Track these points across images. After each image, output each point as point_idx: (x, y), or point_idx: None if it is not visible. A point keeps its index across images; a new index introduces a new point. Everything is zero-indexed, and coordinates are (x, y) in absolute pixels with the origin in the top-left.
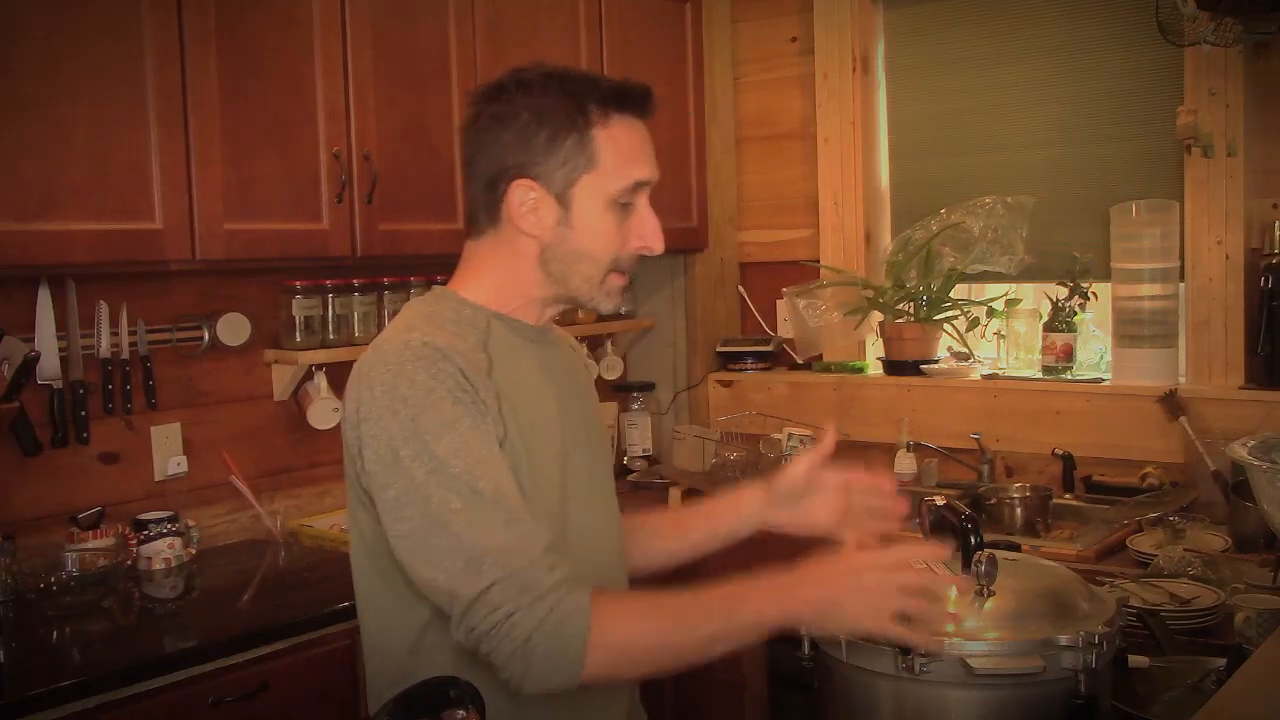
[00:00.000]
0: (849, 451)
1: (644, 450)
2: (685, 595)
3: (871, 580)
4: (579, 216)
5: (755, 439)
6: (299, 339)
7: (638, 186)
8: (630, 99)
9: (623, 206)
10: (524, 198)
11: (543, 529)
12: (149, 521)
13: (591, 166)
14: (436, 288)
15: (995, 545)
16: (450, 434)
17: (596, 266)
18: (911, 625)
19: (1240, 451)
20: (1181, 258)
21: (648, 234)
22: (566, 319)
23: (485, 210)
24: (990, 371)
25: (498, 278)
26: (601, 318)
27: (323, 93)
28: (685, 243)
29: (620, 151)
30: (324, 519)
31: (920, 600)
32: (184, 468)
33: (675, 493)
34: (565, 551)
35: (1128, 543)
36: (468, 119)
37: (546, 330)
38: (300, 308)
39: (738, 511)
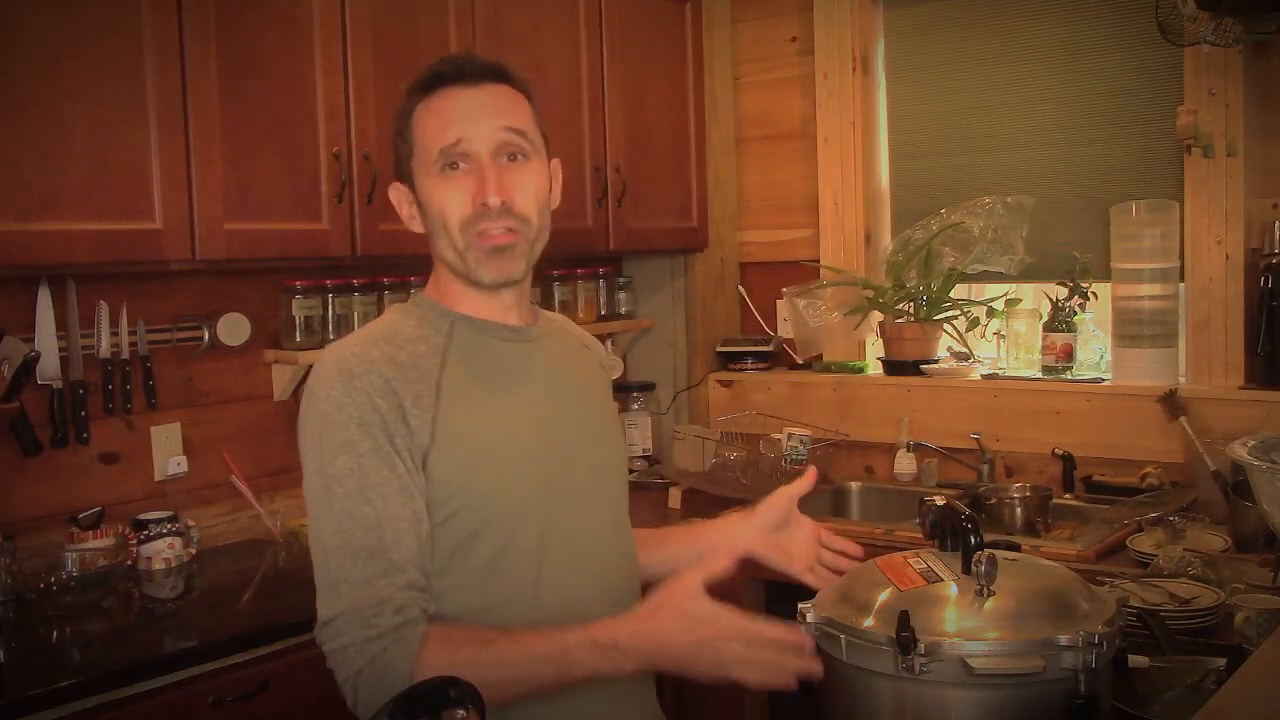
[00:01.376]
0: (849, 451)
1: (644, 450)
2: (525, 640)
3: (727, 652)
4: (422, 196)
5: (755, 439)
6: (299, 339)
7: (451, 147)
8: (442, 77)
9: (451, 169)
10: (395, 199)
11: (410, 563)
12: (149, 521)
13: (414, 148)
14: (415, 293)
15: (995, 545)
16: (346, 456)
17: (450, 234)
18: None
19: (1240, 451)
20: (1181, 258)
21: (483, 188)
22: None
23: None
24: (990, 371)
25: (439, 276)
26: (601, 317)
27: (323, 93)
28: (685, 243)
29: (428, 125)
30: None
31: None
32: (184, 468)
33: (675, 493)
34: (540, 552)
35: (1128, 543)
36: None
37: (526, 329)
38: (300, 308)
39: (719, 533)
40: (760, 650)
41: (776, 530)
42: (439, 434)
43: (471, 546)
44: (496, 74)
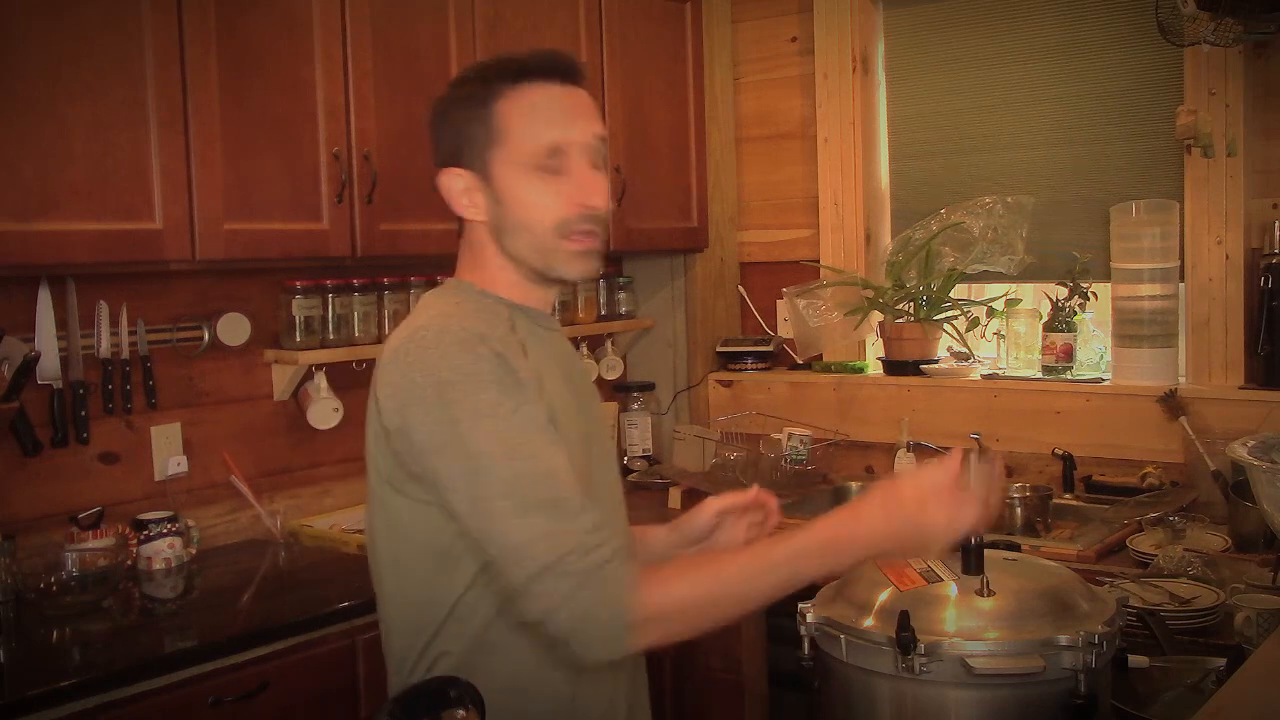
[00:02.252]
0: (849, 451)
1: (644, 450)
2: (740, 555)
3: (926, 502)
4: (503, 190)
5: (755, 439)
6: (299, 339)
7: (555, 148)
8: (536, 68)
9: (549, 171)
10: (451, 185)
11: (589, 505)
12: (149, 521)
13: (499, 139)
14: (449, 280)
15: (995, 545)
16: (492, 419)
17: (536, 236)
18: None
19: (1240, 451)
20: (1181, 258)
21: (585, 192)
22: (566, 319)
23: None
24: (990, 371)
25: (481, 265)
26: (601, 317)
27: (323, 93)
28: (685, 243)
29: (526, 118)
30: (324, 519)
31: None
32: (184, 468)
33: (675, 493)
34: None
35: (1128, 543)
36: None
37: (554, 319)
38: (300, 308)
39: (643, 544)
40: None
41: (700, 540)
42: (548, 408)
43: None
44: (583, 76)
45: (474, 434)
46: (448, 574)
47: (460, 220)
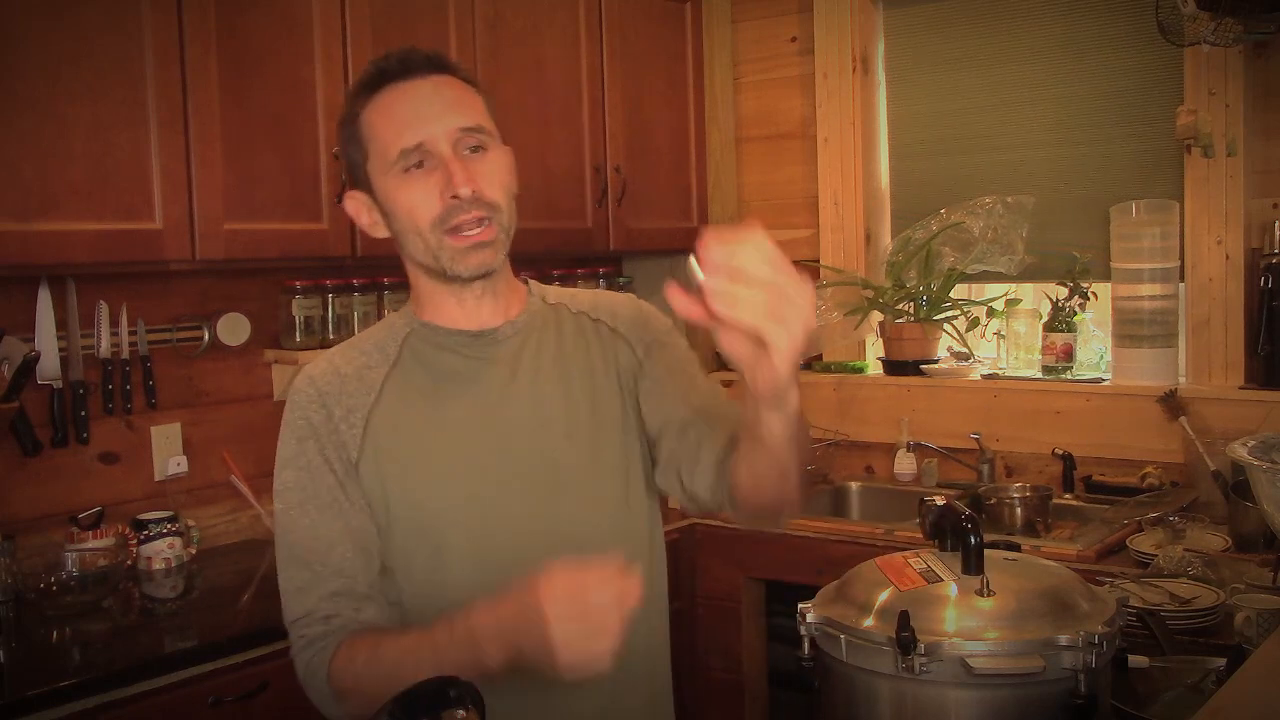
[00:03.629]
0: (849, 451)
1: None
2: (409, 641)
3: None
4: (384, 201)
5: None
6: (299, 339)
7: (414, 146)
8: (392, 71)
9: (416, 168)
10: (354, 209)
11: (342, 572)
12: (149, 521)
13: (368, 151)
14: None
15: (995, 545)
16: (288, 470)
17: (424, 235)
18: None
19: (1240, 451)
20: (1181, 258)
21: (453, 181)
22: None
23: None
24: (990, 371)
25: (412, 282)
26: None
27: (323, 93)
28: (685, 243)
29: (383, 124)
30: None
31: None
32: (184, 468)
33: None
34: (480, 558)
35: (1128, 543)
36: None
37: (492, 331)
38: (300, 307)
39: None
40: (580, 605)
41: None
42: (367, 445)
43: (413, 552)
44: (439, 65)
45: (278, 480)
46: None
47: None
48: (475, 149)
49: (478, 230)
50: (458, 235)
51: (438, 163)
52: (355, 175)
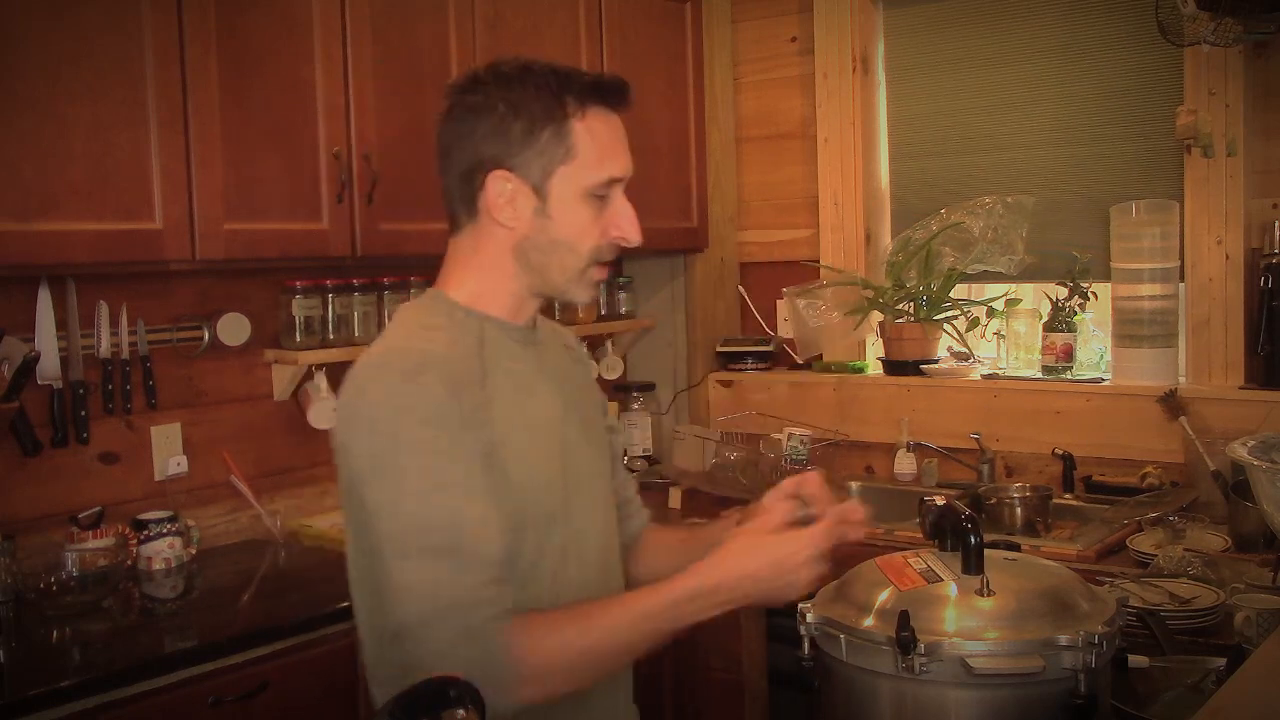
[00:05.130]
0: (849, 451)
1: (644, 450)
2: (613, 607)
3: (805, 553)
4: (556, 207)
5: (755, 439)
6: (299, 339)
7: (614, 181)
8: (607, 92)
9: (599, 198)
10: (501, 189)
11: (491, 559)
12: (149, 521)
13: (570, 158)
14: (429, 290)
15: (995, 545)
16: (419, 455)
17: (576, 257)
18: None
19: (1240, 451)
20: (1181, 258)
21: (624, 224)
22: (566, 319)
23: (463, 204)
24: (990, 371)
25: (481, 274)
26: (601, 317)
27: (323, 93)
28: (685, 243)
29: (597, 144)
30: (324, 519)
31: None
32: (184, 468)
33: (675, 493)
34: (565, 549)
35: (1128, 543)
36: (443, 111)
37: (534, 331)
38: (300, 308)
39: (649, 551)
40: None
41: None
42: (495, 436)
43: (519, 545)
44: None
45: (398, 469)
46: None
47: (464, 223)
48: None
49: (607, 269)
50: (600, 268)
51: (614, 200)
52: (524, 160)
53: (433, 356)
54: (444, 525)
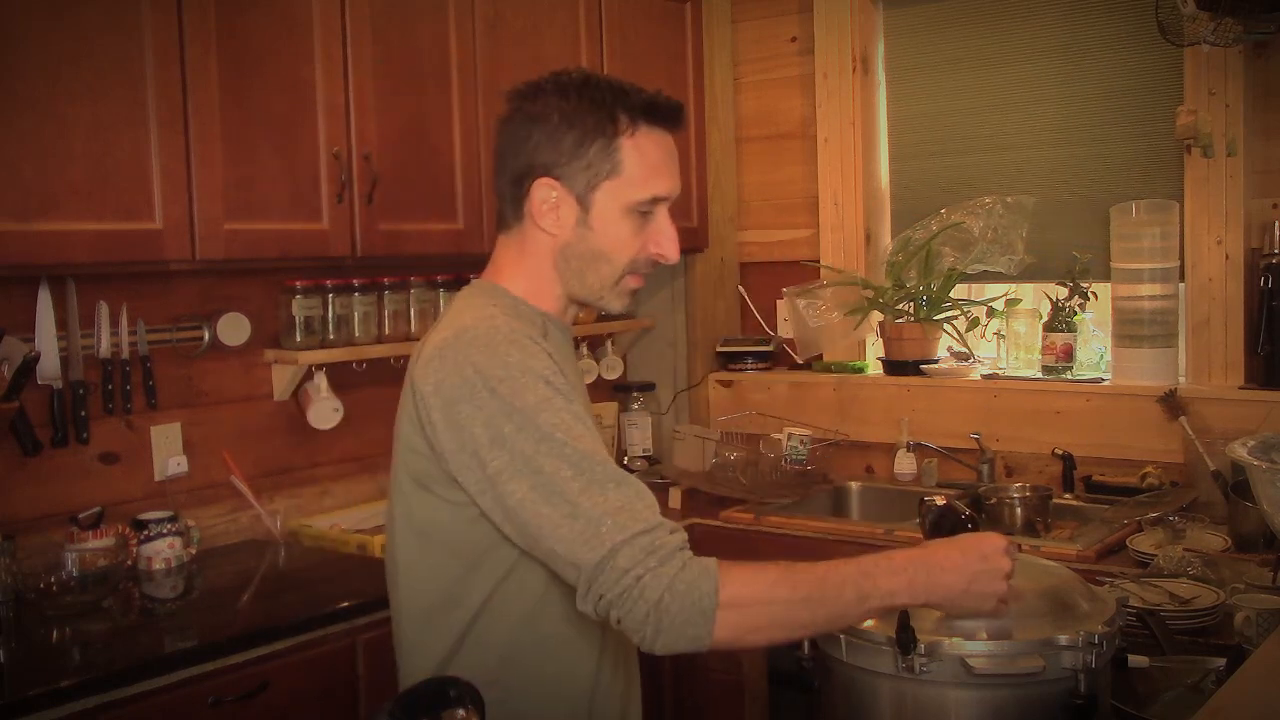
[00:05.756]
0: (849, 451)
1: (644, 450)
2: (818, 568)
3: (994, 566)
4: (598, 219)
5: (755, 439)
6: (299, 339)
7: (658, 200)
8: (661, 112)
9: (641, 215)
10: (545, 196)
11: (650, 492)
12: (149, 521)
13: (615, 173)
14: (479, 281)
15: None
16: (548, 410)
17: (613, 268)
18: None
19: (1240, 451)
20: (1181, 258)
21: (665, 243)
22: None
23: (511, 205)
24: (990, 371)
25: (529, 274)
26: (602, 318)
27: (323, 93)
28: (685, 243)
29: (645, 162)
30: (324, 519)
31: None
32: (184, 468)
33: (675, 493)
34: None
35: (1128, 543)
36: (503, 115)
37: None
38: (300, 308)
39: None
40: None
41: None
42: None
43: None
44: (684, 125)
45: (535, 422)
46: (472, 579)
47: (511, 223)
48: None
49: (642, 279)
50: (636, 277)
51: (657, 217)
52: (571, 170)
53: (527, 331)
54: (601, 460)
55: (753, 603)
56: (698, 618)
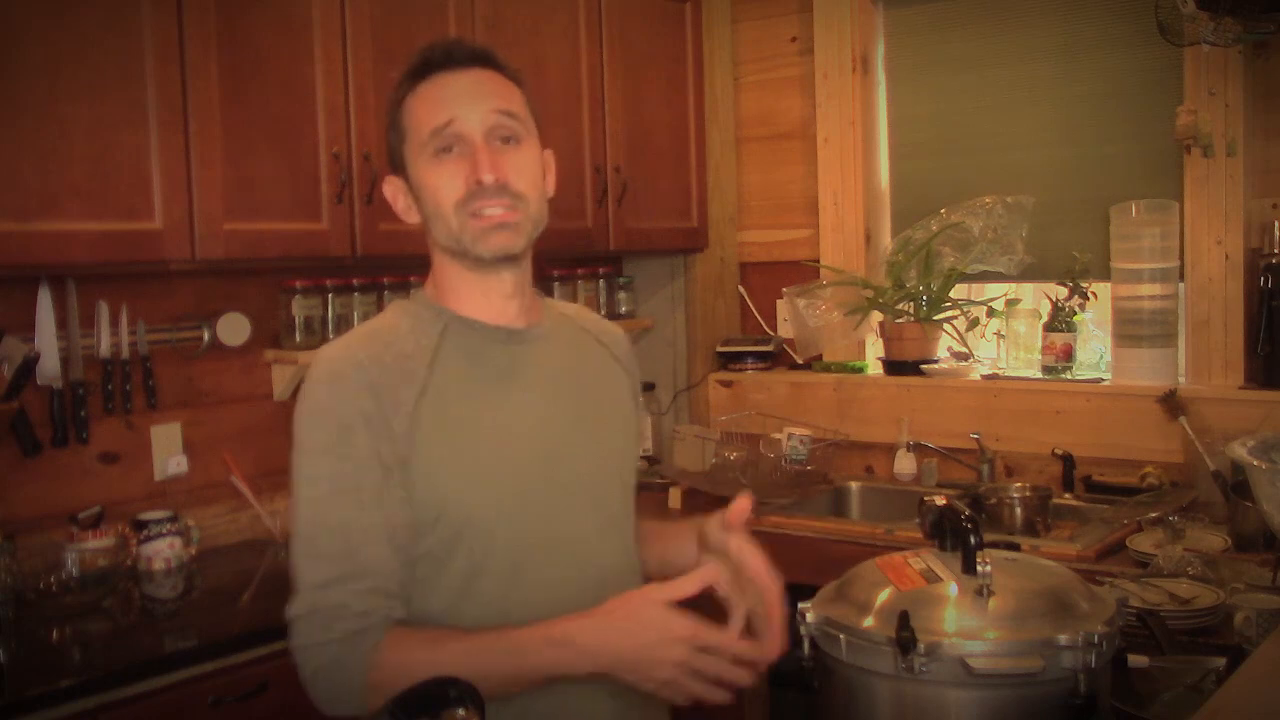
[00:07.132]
0: (849, 451)
1: (644, 450)
2: (479, 636)
3: (673, 655)
4: (415, 182)
5: (755, 439)
6: (299, 339)
7: (443, 128)
8: (431, 63)
9: (445, 152)
10: (391, 194)
11: (374, 571)
12: (149, 521)
13: (406, 136)
14: (414, 289)
15: (995, 545)
16: (325, 458)
17: (445, 218)
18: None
19: (1240, 451)
20: (1181, 258)
21: (477, 168)
22: None
23: None
24: (990, 371)
25: (436, 270)
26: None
27: (323, 93)
28: (685, 243)
29: (419, 110)
30: None
31: (708, 666)
32: (184, 468)
33: (675, 493)
34: (518, 564)
35: (1128, 543)
36: None
37: (524, 331)
38: (300, 307)
39: (687, 540)
40: (703, 658)
41: (721, 548)
42: (419, 439)
43: (450, 555)
44: (484, 59)
45: (308, 467)
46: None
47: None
48: (507, 139)
49: (500, 211)
50: (479, 217)
51: (468, 149)
52: (394, 161)
53: (359, 363)
54: (333, 530)
55: (400, 678)
56: (344, 694)
